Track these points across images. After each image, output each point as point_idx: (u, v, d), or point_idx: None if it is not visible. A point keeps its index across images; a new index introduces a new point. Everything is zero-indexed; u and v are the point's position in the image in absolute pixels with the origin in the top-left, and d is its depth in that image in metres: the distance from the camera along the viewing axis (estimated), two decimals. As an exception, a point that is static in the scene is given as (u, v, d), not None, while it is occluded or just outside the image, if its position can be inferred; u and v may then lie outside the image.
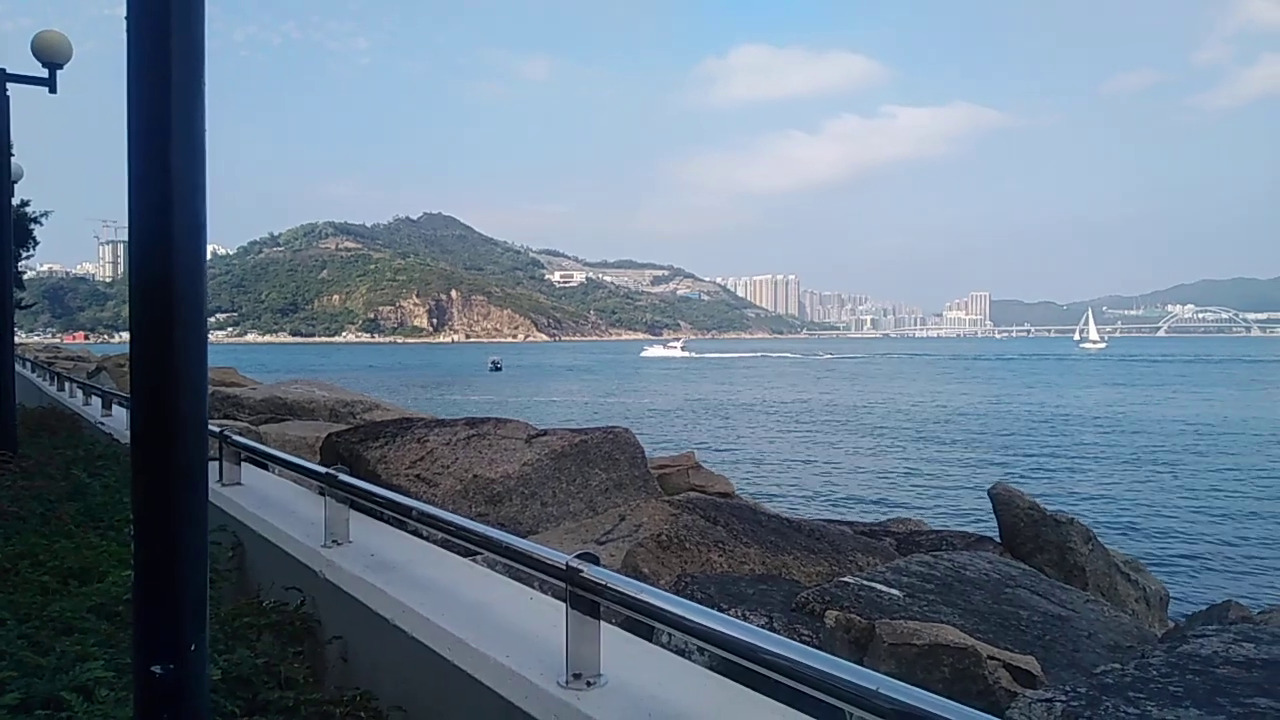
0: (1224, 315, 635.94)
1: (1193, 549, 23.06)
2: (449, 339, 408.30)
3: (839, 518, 15.07)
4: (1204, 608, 8.18)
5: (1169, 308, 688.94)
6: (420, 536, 4.56)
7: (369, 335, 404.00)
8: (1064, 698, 3.55)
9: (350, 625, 3.90)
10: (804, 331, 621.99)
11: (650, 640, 3.30)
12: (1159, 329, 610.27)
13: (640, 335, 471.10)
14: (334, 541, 4.39)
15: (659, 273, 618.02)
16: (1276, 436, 48.67)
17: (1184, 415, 60.28)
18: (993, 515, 9.49)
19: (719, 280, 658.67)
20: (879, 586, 5.24)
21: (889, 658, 3.99)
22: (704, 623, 2.34)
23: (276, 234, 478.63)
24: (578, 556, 2.74)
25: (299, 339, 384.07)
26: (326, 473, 4.53)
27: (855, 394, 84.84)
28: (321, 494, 4.59)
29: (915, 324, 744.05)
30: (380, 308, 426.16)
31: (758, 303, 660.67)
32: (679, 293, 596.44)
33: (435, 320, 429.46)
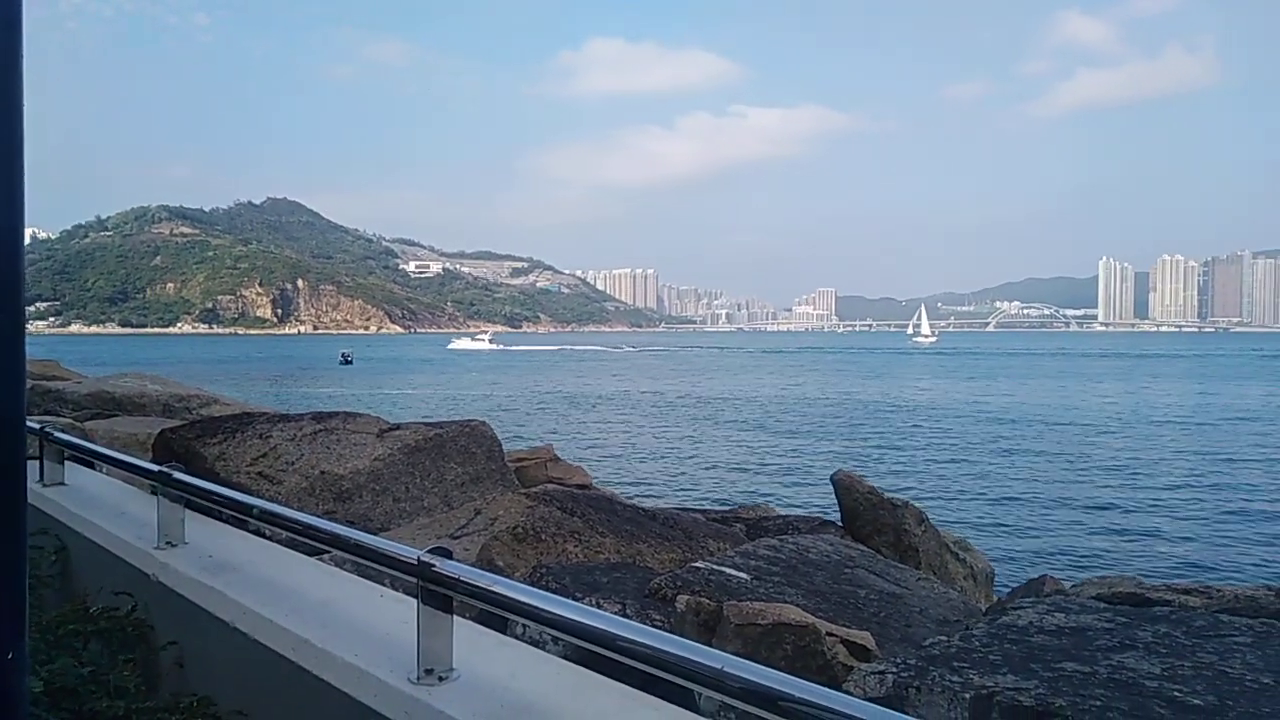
0: (1046, 311, 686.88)
1: (1017, 528, 24.86)
2: (295, 330, 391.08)
3: (693, 506, 15.43)
4: (1024, 582, 8.82)
5: (997, 304, 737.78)
6: (264, 536, 4.39)
7: (207, 326, 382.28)
8: (895, 669, 3.79)
9: (186, 629, 3.73)
10: (662, 325, 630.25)
11: (505, 632, 3.31)
12: (988, 324, 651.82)
13: (500, 327, 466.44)
14: (168, 543, 4.17)
15: (518, 264, 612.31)
16: (1089, 423, 53.03)
17: (1006, 405, 64.81)
18: (835, 500, 9.95)
19: (578, 273, 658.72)
20: (728, 570, 5.43)
21: (735, 638, 4.15)
22: (556, 611, 2.37)
23: (104, 217, 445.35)
24: (430, 551, 2.71)
25: (130, 330, 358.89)
26: (159, 471, 4.30)
27: (693, 386, 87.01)
28: (154, 493, 4.35)
29: (767, 318, 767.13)
30: (220, 297, 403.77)
31: (617, 296, 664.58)
32: (539, 285, 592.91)
33: (280, 311, 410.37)
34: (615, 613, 4.75)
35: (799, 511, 16.14)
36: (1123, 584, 6.49)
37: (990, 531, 23.85)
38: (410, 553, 2.78)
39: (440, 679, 2.63)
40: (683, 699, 2.42)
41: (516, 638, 3.34)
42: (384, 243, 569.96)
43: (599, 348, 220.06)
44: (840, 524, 9.55)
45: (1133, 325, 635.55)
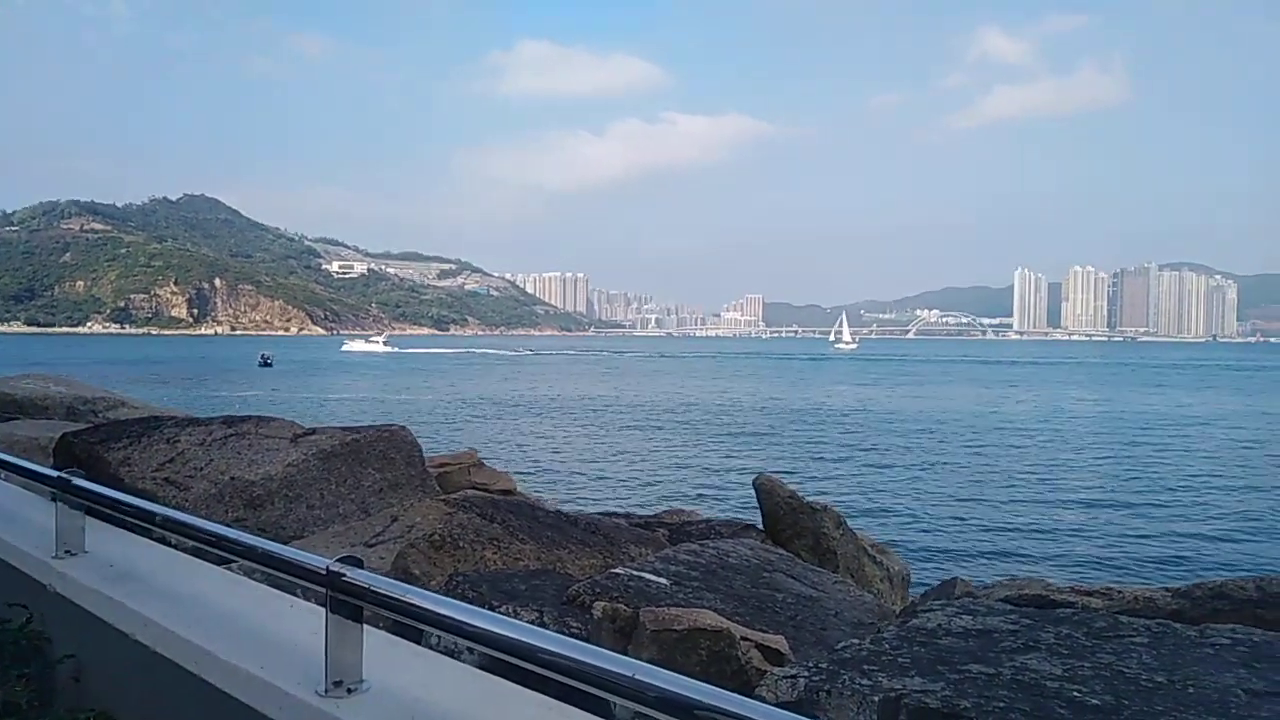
0: (964, 320, 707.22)
1: (934, 531, 25.51)
2: (212, 331, 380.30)
3: (617, 511, 15.45)
4: (938, 584, 9.03)
5: (917, 312, 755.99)
6: (169, 545, 4.26)
7: (119, 326, 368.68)
8: (806, 673, 3.84)
9: (85, 642, 3.60)
10: (592, 329, 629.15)
11: (420, 643, 3.26)
12: (909, 331, 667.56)
13: (426, 330, 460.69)
14: (67, 552, 4.02)
15: (446, 266, 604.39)
16: (1003, 428, 54.72)
17: (924, 410, 66.54)
18: (757, 504, 10.07)
19: (508, 276, 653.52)
20: (648, 576, 5.45)
21: (651, 644, 4.16)
22: (466, 620, 2.35)
23: (10, 211, 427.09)
24: (339, 560, 2.67)
25: (36, 329, 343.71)
26: (59, 476, 4.14)
27: (613, 390, 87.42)
28: (54, 500, 4.19)
29: (696, 323, 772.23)
30: (132, 296, 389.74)
31: (547, 299, 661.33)
32: (467, 287, 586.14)
33: (196, 311, 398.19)
34: (532, 621, 4.72)
35: (723, 516, 16.29)
36: (1030, 586, 6.69)
37: (908, 534, 24.44)
38: (319, 562, 2.72)
39: (349, 691, 2.59)
40: (599, 707, 2.42)
41: (431, 648, 3.30)
42: (306, 242, 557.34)
43: (496, 351, 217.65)
44: (761, 528, 9.67)
45: (1046, 334, 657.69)
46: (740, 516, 13.83)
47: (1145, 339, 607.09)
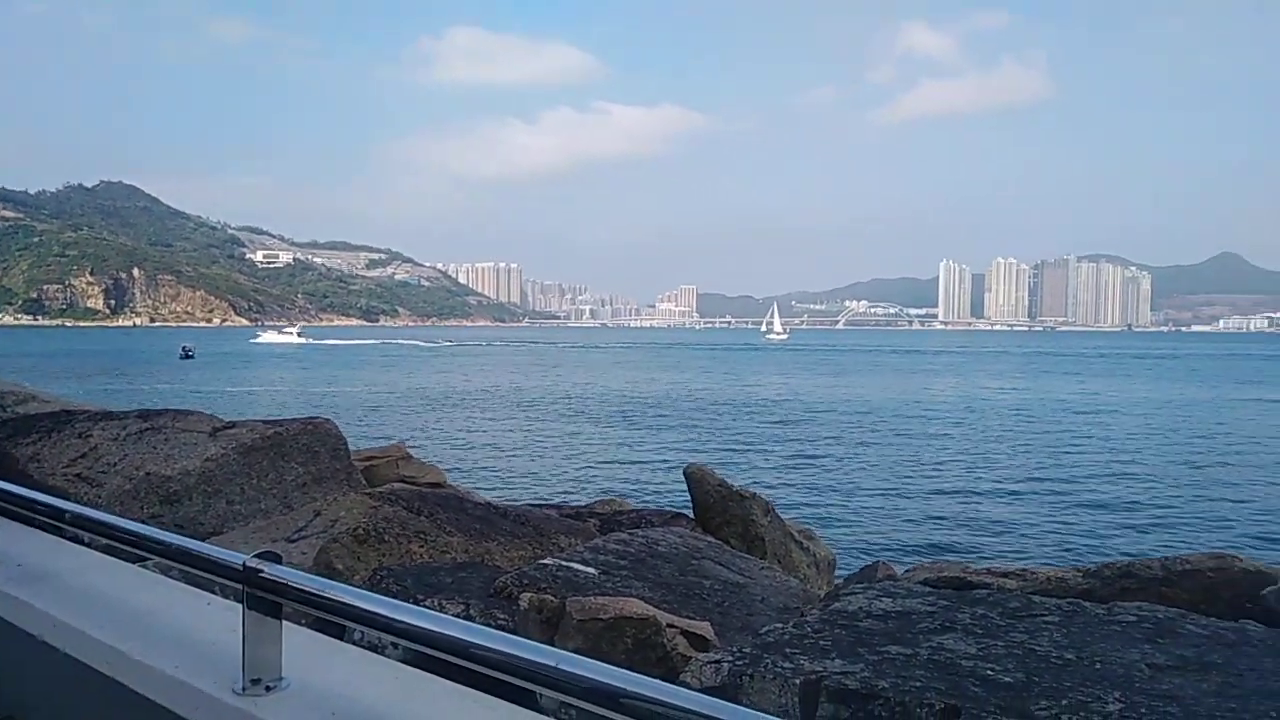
0: (892, 310, 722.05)
1: (860, 517, 26.09)
2: (130, 322, 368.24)
3: (548, 502, 15.43)
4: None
5: (847, 303, 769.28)
6: (81, 543, 4.13)
7: (31, 318, 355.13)
8: (730, 658, 3.90)
9: (-12, 647, 3.47)
10: (526, 320, 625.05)
11: (343, 638, 3.22)
12: (838, 322, 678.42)
13: (355, 321, 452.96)
14: (-30, 553, 3.86)
15: (375, 256, 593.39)
16: (926, 416, 56.10)
17: (851, 400, 67.86)
18: (688, 493, 10.17)
19: (440, 266, 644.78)
20: (576, 566, 5.46)
21: (577, 634, 4.18)
22: (389, 615, 2.33)
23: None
24: (257, 555, 2.62)
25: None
26: (-40, 476, 3.98)
27: (549, 382, 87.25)
28: (-44, 500, 4.03)
29: (631, 314, 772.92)
30: (45, 286, 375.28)
31: (480, 290, 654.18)
32: (397, 277, 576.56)
33: (113, 301, 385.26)
34: (458, 614, 4.69)
35: (654, 505, 16.39)
36: (949, 569, 6.88)
37: (835, 520, 24.94)
38: (235, 558, 2.67)
39: (268, 689, 2.54)
40: (525, 698, 2.42)
41: (355, 643, 3.26)
42: (229, 230, 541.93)
43: (416, 342, 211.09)
44: (692, 516, 9.76)
45: (970, 324, 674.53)
46: (672, 505, 13.93)
47: (1064, 329, 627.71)
